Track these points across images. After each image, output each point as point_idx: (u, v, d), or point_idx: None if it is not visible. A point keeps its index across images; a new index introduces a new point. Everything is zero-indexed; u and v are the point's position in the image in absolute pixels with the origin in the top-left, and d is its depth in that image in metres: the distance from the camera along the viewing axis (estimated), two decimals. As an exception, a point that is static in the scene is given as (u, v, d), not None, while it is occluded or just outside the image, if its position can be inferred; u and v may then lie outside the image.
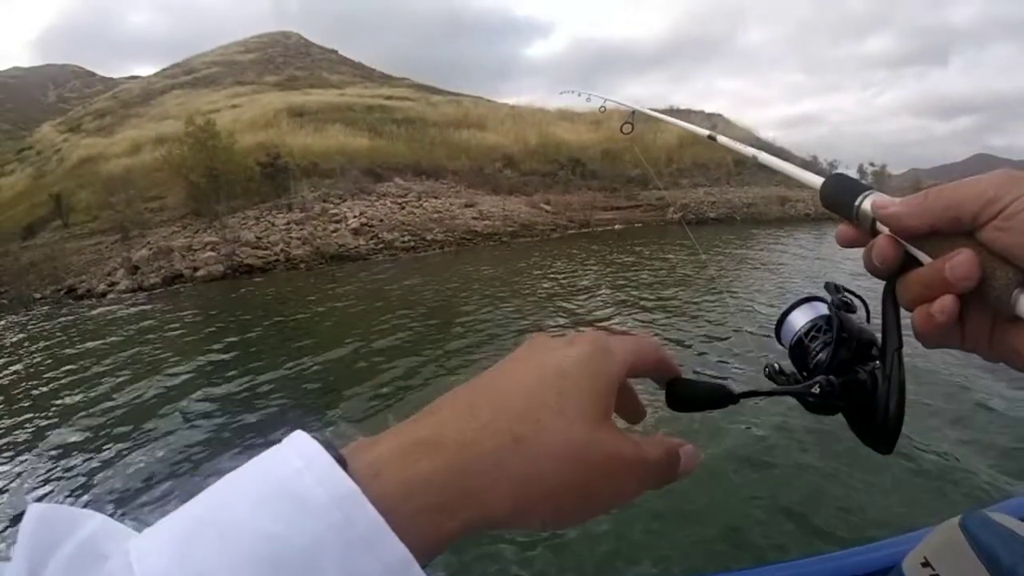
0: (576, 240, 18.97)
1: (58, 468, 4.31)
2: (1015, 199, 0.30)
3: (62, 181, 25.11)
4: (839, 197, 0.39)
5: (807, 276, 10.44)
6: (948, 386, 4.47)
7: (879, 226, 0.36)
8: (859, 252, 0.38)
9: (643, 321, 7.43)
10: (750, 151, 0.72)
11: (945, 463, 3.42)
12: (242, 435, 4.57)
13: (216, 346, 7.82)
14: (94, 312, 11.87)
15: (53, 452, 4.64)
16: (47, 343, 9.21)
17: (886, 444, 0.37)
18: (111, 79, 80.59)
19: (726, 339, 6.28)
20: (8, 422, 5.47)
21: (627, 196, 26.42)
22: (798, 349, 0.47)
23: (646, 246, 16.17)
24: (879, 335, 0.39)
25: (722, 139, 0.93)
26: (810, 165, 31.44)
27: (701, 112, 42.53)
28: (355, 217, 18.89)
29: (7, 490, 4.09)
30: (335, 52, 61.01)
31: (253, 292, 12.60)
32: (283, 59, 52.15)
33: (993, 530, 0.72)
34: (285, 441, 0.26)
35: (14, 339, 9.97)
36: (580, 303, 8.82)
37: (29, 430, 5.18)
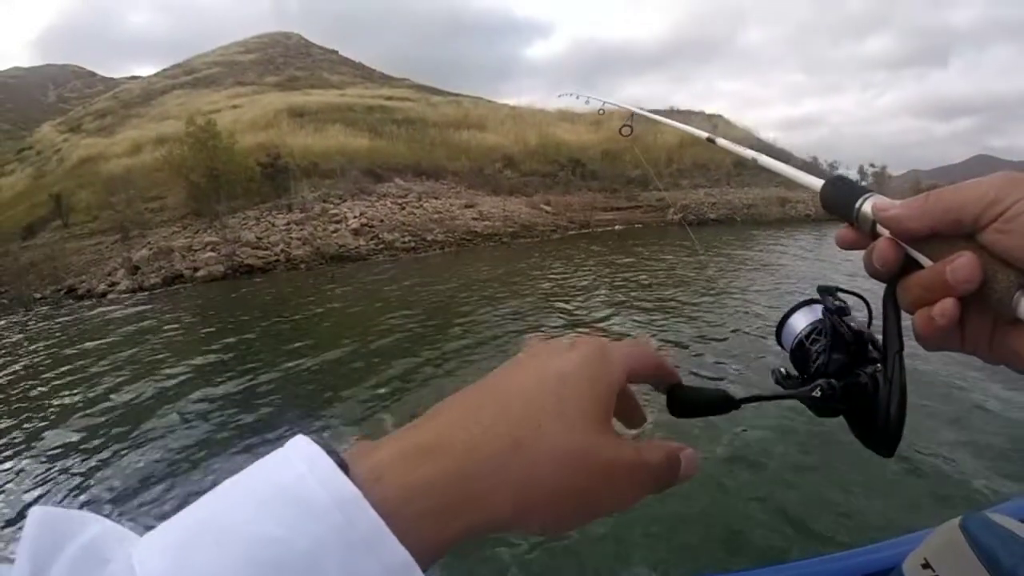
0: (576, 241, 18.97)
1: (57, 468, 4.31)
2: (1016, 201, 0.30)
3: (62, 181, 25.10)
4: (839, 200, 0.39)
5: (808, 278, 10.44)
6: (948, 388, 4.47)
7: (879, 229, 0.36)
8: (859, 253, 0.38)
9: (642, 322, 7.43)
10: (750, 154, 0.72)
11: (945, 465, 3.42)
12: (241, 435, 4.57)
13: (216, 346, 7.82)
14: (94, 312, 11.87)
15: (52, 452, 4.63)
16: (47, 343, 9.21)
17: (887, 447, 0.37)
18: (111, 79, 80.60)
19: (726, 341, 6.28)
20: (7, 422, 5.47)
21: (627, 197, 26.42)
22: (799, 352, 0.47)
23: (646, 247, 16.17)
24: (878, 336, 0.39)
25: (721, 142, 0.93)
26: (810, 166, 31.47)
27: (701, 113, 42.51)
28: (355, 217, 18.89)
29: (5, 490, 4.08)
30: (335, 52, 61.02)
31: (253, 292, 12.60)
32: (283, 59, 52.15)
33: (993, 531, 0.72)
34: (287, 445, 0.26)
35: (14, 339, 9.97)
36: (579, 304, 8.82)
37: (28, 430, 5.17)
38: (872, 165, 34.58)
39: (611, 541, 2.85)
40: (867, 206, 0.37)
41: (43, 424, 5.28)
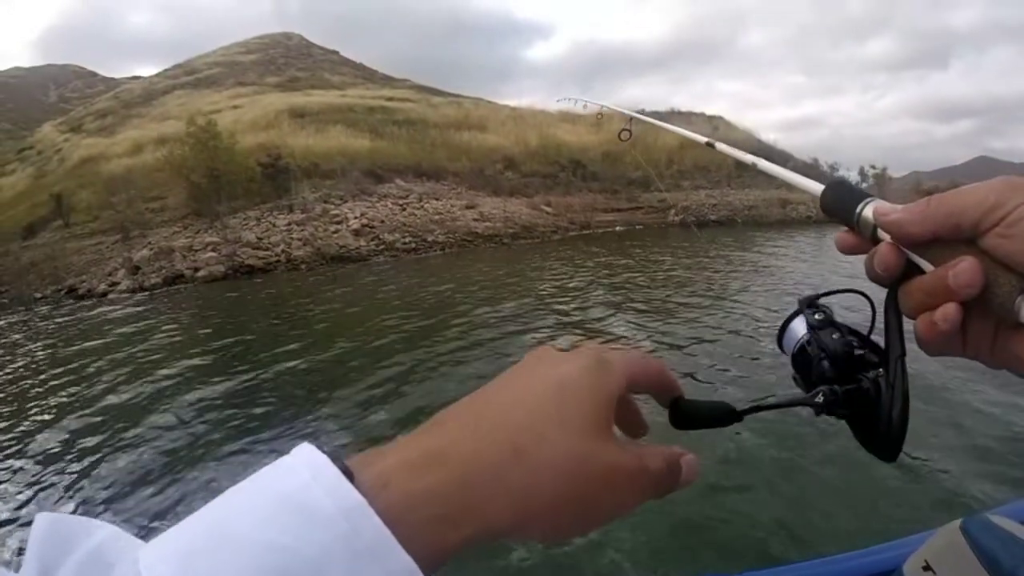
0: (577, 242, 18.97)
1: (54, 467, 4.31)
2: (1017, 206, 0.30)
3: (63, 181, 25.14)
4: (840, 204, 0.39)
5: (809, 280, 10.42)
6: (949, 392, 4.46)
7: (880, 233, 0.36)
8: (860, 255, 0.38)
9: (641, 324, 7.43)
10: (749, 158, 0.71)
11: (945, 468, 3.41)
12: (241, 435, 4.57)
13: (216, 346, 7.83)
14: (94, 312, 11.87)
15: (50, 451, 4.63)
16: (47, 342, 9.22)
17: (890, 451, 0.37)
18: (112, 79, 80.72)
19: (726, 344, 6.27)
20: (5, 422, 5.48)
21: (628, 198, 26.45)
22: (800, 357, 0.46)
23: (647, 248, 16.18)
24: (875, 338, 0.39)
25: (720, 146, 0.92)
26: (811, 167, 31.48)
27: (702, 114, 42.53)
28: (356, 218, 18.91)
29: (3, 491, 4.08)
30: (336, 53, 61.09)
31: (254, 293, 12.60)
32: (284, 60, 52.22)
33: (994, 533, 0.72)
34: (292, 452, 0.26)
35: (14, 338, 9.98)
36: (578, 306, 8.82)
37: (26, 429, 5.18)
38: (873, 167, 34.46)
39: (610, 542, 2.84)
40: (868, 211, 0.36)
41: (41, 423, 5.28)
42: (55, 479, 4.13)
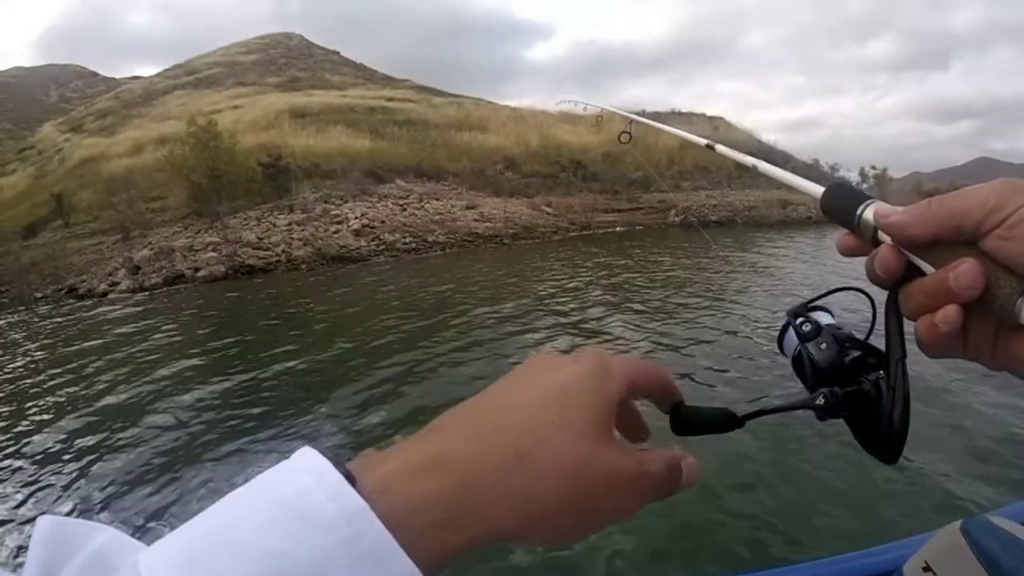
0: (577, 242, 18.97)
1: (51, 467, 4.31)
2: (1017, 208, 0.30)
3: (63, 181, 25.16)
4: (840, 206, 0.39)
5: (808, 281, 10.42)
6: (948, 394, 4.46)
7: (881, 235, 0.36)
8: (861, 257, 0.38)
9: (641, 325, 7.43)
10: (750, 160, 0.71)
11: (945, 470, 3.41)
12: (240, 436, 4.56)
13: (216, 346, 7.84)
14: (95, 312, 11.87)
15: (47, 451, 4.63)
16: (46, 341, 9.23)
17: (891, 454, 0.37)
18: (113, 79, 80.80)
19: (724, 345, 6.27)
20: (4, 422, 5.48)
21: (628, 199, 26.45)
22: (800, 361, 0.47)
23: (647, 249, 16.18)
24: (869, 340, 0.39)
25: (721, 148, 0.92)
26: (812, 168, 31.47)
27: (703, 115, 42.52)
28: (356, 218, 18.92)
29: (1, 490, 4.08)
30: (337, 53, 61.11)
31: (254, 293, 12.60)
32: (285, 60, 52.23)
33: (994, 534, 0.72)
34: (293, 457, 0.27)
35: (14, 338, 9.99)
36: (578, 306, 8.82)
37: (24, 428, 5.18)
38: (873, 167, 34.41)
39: (609, 544, 2.84)
40: (868, 213, 0.36)
41: (40, 423, 5.28)
42: (53, 479, 4.13)
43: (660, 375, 0.37)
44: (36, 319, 11.85)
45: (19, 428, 5.24)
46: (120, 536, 0.26)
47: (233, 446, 4.37)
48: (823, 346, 0.43)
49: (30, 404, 5.93)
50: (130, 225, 18.59)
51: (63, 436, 4.91)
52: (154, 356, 7.44)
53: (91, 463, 4.30)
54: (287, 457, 0.26)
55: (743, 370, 5.39)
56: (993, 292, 0.30)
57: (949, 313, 0.32)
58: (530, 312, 8.44)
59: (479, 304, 9.09)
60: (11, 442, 4.92)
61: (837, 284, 0.48)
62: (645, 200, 26.30)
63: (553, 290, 10.22)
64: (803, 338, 0.45)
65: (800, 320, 0.46)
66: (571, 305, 8.86)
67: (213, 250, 16.10)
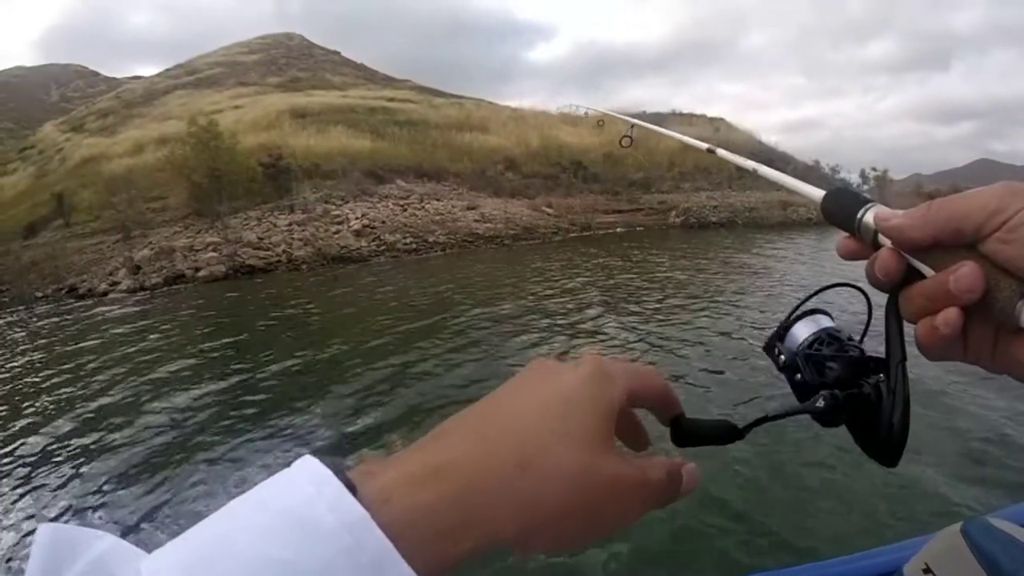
0: (577, 243, 18.97)
1: (50, 467, 4.31)
2: (1018, 211, 0.30)
3: (64, 180, 25.19)
4: (840, 210, 0.39)
5: (809, 283, 10.41)
6: (948, 396, 4.46)
7: (881, 239, 0.36)
8: (861, 260, 0.38)
9: (640, 327, 7.43)
10: (750, 164, 0.72)
11: (946, 471, 3.41)
12: (238, 436, 4.56)
13: (215, 347, 7.84)
14: (95, 311, 11.88)
15: (45, 451, 4.63)
16: (46, 341, 9.24)
17: (891, 457, 0.37)
18: (114, 79, 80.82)
19: (722, 347, 6.26)
20: (1, 421, 5.49)
21: (629, 199, 26.47)
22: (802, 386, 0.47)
23: (647, 250, 16.19)
24: (875, 338, 0.39)
25: (722, 152, 0.92)
26: (812, 169, 31.45)
27: (703, 116, 42.57)
28: (357, 219, 18.93)
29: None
30: (338, 54, 61.15)
31: (254, 293, 12.61)
32: (286, 60, 52.27)
33: (994, 536, 0.72)
34: (294, 465, 0.26)
35: (13, 337, 10.00)
36: (577, 307, 8.81)
37: (22, 428, 5.18)
38: (874, 169, 34.44)
39: (608, 548, 2.84)
40: (869, 216, 0.37)
41: (38, 422, 5.29)
42: (48, 479, 4.13)
43: (661, 384, 0.37)
44: (36, 318, 11.86)
45: (16, 428, 5.25)
46: (121, 544, 0.26)
47: (230, 446, 4.37)
48: (798, 377, 0.44)
49: (28, 403, 5.94)
50: (131, 225, 18.61)
51: (60, 436, 4.92)
52: (153, 356, 7.44)
53: (87, 463, 4.31)
54: (284, 458, 0.25)
55: (739, 372, 5.38)
56: (993, 295, 0.30)
57: (949, 316, 0.32)
58: (529, 313, 8.44)
59: (478, 305, 9.09)
60: (8, 442, 4.93)
61: (835, 289, 0.48)
62: (646, 201, 26.33)
63: (553, 291, 10.23)
64: (783, 368, 0.45)
65: (775, 350, 0.47)
66: (570, 306, 8.86)
67: (213, 250, 16.11)
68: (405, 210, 20.47)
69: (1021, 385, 0.35)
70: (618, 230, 22.65)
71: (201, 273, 14.99)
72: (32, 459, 4.52)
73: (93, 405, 5.61)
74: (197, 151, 19.49)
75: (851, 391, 0.40)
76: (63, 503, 3.78)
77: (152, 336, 8.69)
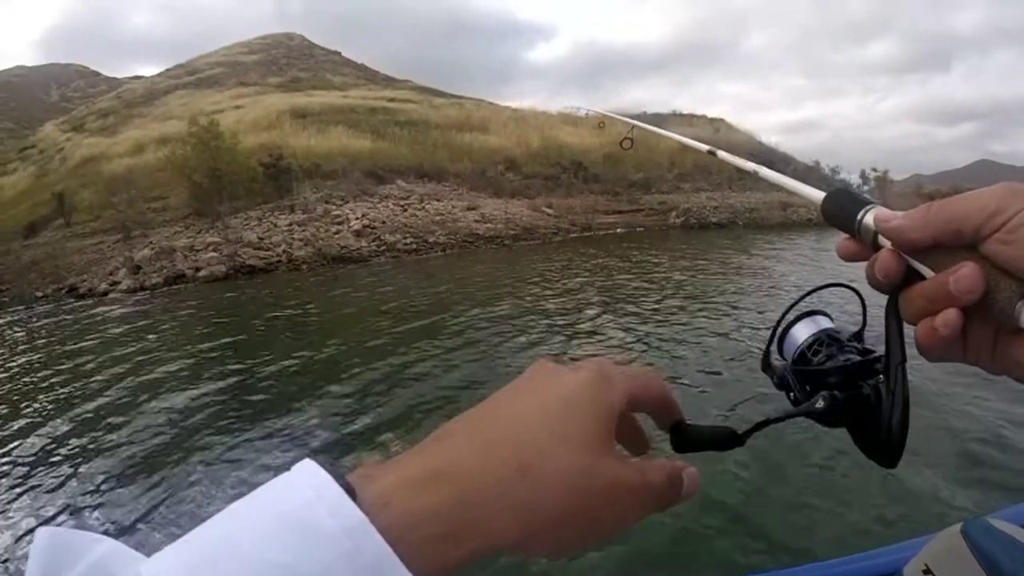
0: (577, 244, 18.97)
1: (46, 468, 4.31)
2: (1017, 212, 0.30)
3: (65, 180, 25.21)
4: (840, 212, 0.39)
5: (809, 284, 10.38)
6: (948, 397, 4.45)
7: (881, 240, 0.36)
8: (861, 262, 0.38)
9: (639, 328, 7.43)
10: (751, 166, 0.72)
11: (946, 472, 3.41)
12: (236, 436, 4.56)
13: (215, 347, 7.84)
14: (95, 311, 11.88)
15: (43, 451, 4.63)
16: (46, 340, 9.24)
17: (890, 458, 0.37)
18: (115, 79, 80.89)
19: (719, 348, 6.25)
20: None
21: (629, 200, 26.48)
22: (800, 363, 0.47)
23: (647, 251, 16.19)
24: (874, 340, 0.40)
25: (722, 155, 0.92)
26: (812, 170, 31.44)
27: (704, 116, 42.59)
28: (357, 219, 18.93)
29: None
30: (338, 54, 61.19)
31: (254, 293, 12.62)
32: (286, 60, 52.31)
33: (995, 537, 0.72)
34: (294, 469, 0.26)
35: (13, 336, 10.00)
36: (576, 307, 8.82)
37: (21, 428, 5.18)
38: (874, 169, 34.33)
39: (606, 550, 2.84)
40: (869, 218, 0.37)
41: (36, 422, 5.30)
42: (46, 480, 4.12)
43: (661, 388, 0.36)
44: (36, 318, 11.87)
45: (16, 427, 5.25)
46: (120, 547, 0.26)
47: (229, 446, 4.36)
48: (791, 395, 0.44)
49: (28, 403, 5.94)
50: (131, 225, 18.62)
51: (59, 435, 4.92)
52: (153, 356, 7.44)
53: (86, 463, 4.31)
54: (283, 458, 0.25)
55: (737, 372, 5.38)
56: (993, 296, 0.30)
57: (949, 317, 0.32)
58: (529, 313, 8.44)
59: (478, 305, 9.09)
60: (7, 441, 4.93)
61: (831, 293, 0.48)
62: (646, 202, 26.34)
63: (553, 292, 10.23)
64: (781, 387, 0.45)
65: (770, 373, 0.47)
66: (570, 307, 8.87)
67: (214, 250, 16.11)
68: (405, 210, 20.48)
69: (1021, 386, 0.35)
70: (618, 231, 22.66)
71: (201, 273, 15.00)
72: (31, 459, 4.52)
73: (92, 405, 5.61)
74: (198, 151, 19.50)
75: (851, 392, 0.40)
76: (61, 503, 3.78)
77: (152, 336, 8.69)
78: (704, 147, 1.02)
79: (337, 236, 17.80)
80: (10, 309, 13.64)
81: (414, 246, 18.00)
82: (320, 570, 0.22)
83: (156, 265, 15.54)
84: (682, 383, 5.12)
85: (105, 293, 14.28)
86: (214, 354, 7.46)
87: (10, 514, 3.69)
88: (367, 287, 12.07)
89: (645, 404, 0.36)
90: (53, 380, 6.70)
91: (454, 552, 0.26)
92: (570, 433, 0.29)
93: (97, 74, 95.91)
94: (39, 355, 8.29)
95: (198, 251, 16.18)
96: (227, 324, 9.54)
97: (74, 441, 4.76)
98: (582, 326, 7.58)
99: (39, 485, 4.05)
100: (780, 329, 0.50)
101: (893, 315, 0.36)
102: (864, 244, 0.37)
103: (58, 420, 5.28)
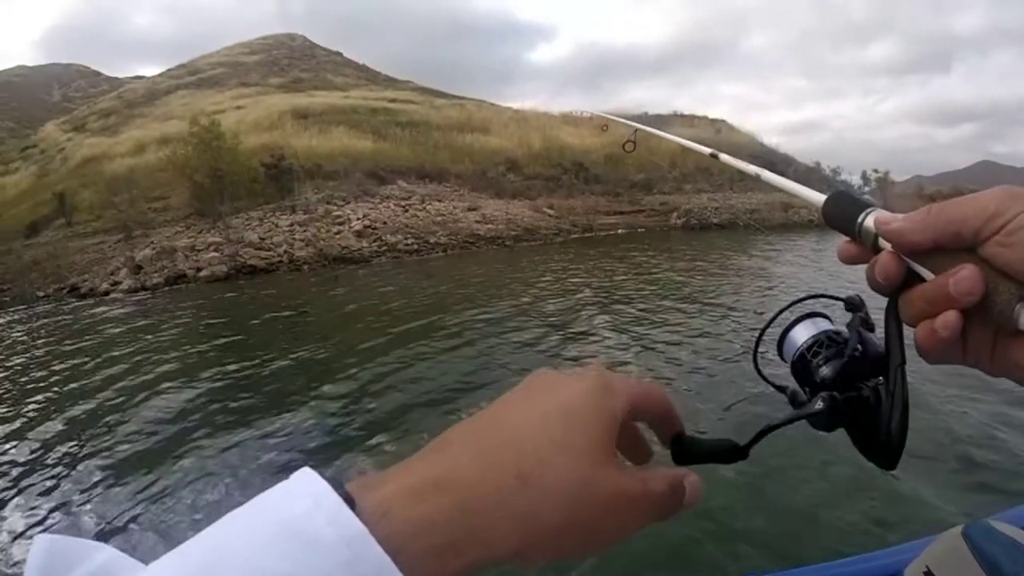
0: (578, 245, 18.97)
1: (43, 468, 4.30)
2: (1016, 215, 0.30)
3: (66, 180, 25.23)
4: (841, 214, 0.39)
5: (810, 286, 10.39)
6: (947, 399, 4.45)
7: (881, 243, 0.36)
8: (862, 264, 0.38)
9: (635, 330, 7.42)
10: (753, 169, 0.72)
11: (946, 474, 3.41)
12: (233, 436, 4.55)
13: (216, 347, 7.84)
14: (96, 311, 11.89)
15: (40, 451, 4.62)
16: (46, 340, 9.24)
17: (889, 460, 0.37)
18: (116, 79, 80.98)
19: (717, 348, 6.25)
20: None
21: (630, 201, 26.48)
22: (800, 365, 0.47)
23: (647, 252, 16.17)
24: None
25: (724, 157, 0.93)
26: (813, 171, 31.44)
27: (705, 117, 42.56)
28: (358, 219, 18.93)
29: None
30: (339, 54, 61.22)
31: (255, 293, 12.61)
32: (288, 61, 52.34)
33: (996, 539, 0.72)
34: (292, 478, 0.26)
35: (13, 336, 10.00)
36: (575, 309, 8.81)
37: (19, 428, 5.18)
38: (875, 170, 34.32)
39: (604, 555, 2.83)
40: (869, 220, 0.37)
41: (33, 421, 5.30)
42: (45, 480, 4.11)
43: (662, 398, 0.36)
44: (37, 318, 11.87)
45: (15, 427, 5.25)
46: (118, 555, 0.26)
47: (228, 447, 4.36)
48: (875, 338, 0.43)
49: (28, 403, 5.94)
50: (132, 224, 18.63)
51: (58, 435, 4.92)
52: (154, 356, 7.44)
53: (85, 463, 4.30)
54: (282, 459, 0.25)
55: (734, 374, 5.37)
56: (992, 298, 0.31)
57: (949, 319, 0.32)
58: (529, 314, 8.43)
59: (479, 306, 9.09)
60: (6, 441, 4.93)
61: (834, 291, 0.48)
62: (647, 202, 26.34)
63: (553, 293, 10.22)
64: (862, 323, 0.44)
65: (860, 311, 0.45)
66: (570, 308, 8.86)
67: (215, 250, 16.12)
68: (406, 211, 20.48)
69: (1020, 388, 0.35)
70: (619, 231, 22.66)
71: (202, 273, 15.00)
72: (30, 458, 4.52)
73: (92, 404, 5.61)
74: (199, 151, 19.51)
75: (850, 394, 0.40)
76: (58, 503, 3.77)
77: (153, 336, 8.69)
78: (706, 150, 1.02)
79: (338, 236, 17.80)
80: (11, 308, 13.65)
81: (415, 247, 18.00)
82: None
83: (157, 265, 15.54)
84: (681, 383, 5.11)
85: (106, 293, 14.29)
86: (214, 354, 7.46)
87: (9, 513, 3.69)
88: (368, 287, 12.07)
89: (646, 413, 0.36)
90: (53, 379, 6.70)
91: (454, 562, 0.25)
92: (571, 442, 0.29)
93: (98, 74, 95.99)
94: (40, 354, 8.29)
95: (199, 251, 16.19)
96: (228, 324, 9.54)
97: (72, 441, 4.76)
98: (584, 327, 7.57)
99: (39, 484, 4.04)
100: (779, 333, 0.50)
101: (893, 317, 0.36)
102: (865, 247, 0.38)
103: (57, 420, 5.28)
